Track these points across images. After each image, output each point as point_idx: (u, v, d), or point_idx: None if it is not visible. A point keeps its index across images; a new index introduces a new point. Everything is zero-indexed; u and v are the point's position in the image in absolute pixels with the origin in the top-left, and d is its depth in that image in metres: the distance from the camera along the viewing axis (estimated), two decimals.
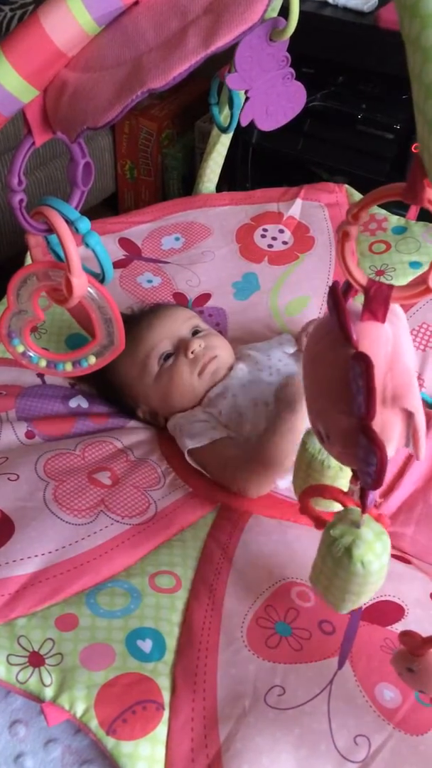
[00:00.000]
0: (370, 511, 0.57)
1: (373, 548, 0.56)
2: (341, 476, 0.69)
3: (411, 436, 0.53)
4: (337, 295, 0.49)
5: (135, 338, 1.07)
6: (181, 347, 1.06)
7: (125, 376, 1.07)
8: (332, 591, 0.60)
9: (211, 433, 0.99)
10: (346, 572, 0.57)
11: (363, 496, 0.55)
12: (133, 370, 1.07)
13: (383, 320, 0.49)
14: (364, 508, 0.56)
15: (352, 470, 0.58)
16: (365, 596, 0.60)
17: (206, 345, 1.06)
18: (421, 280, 0.49)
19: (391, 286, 0.48)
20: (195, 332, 1.09)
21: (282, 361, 1.08)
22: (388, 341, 0.49)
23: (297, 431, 0.92)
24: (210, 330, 1.12)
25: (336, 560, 0.57)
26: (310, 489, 0.64)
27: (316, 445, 0.69)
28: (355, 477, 0.58)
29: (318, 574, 0.62)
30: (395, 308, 0.51)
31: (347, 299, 0.51)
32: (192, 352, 1.05)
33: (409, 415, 0.51)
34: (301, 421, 0.93)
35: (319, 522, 0.64)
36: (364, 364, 0.46)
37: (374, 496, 0.56)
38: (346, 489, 0.67)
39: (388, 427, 0.50)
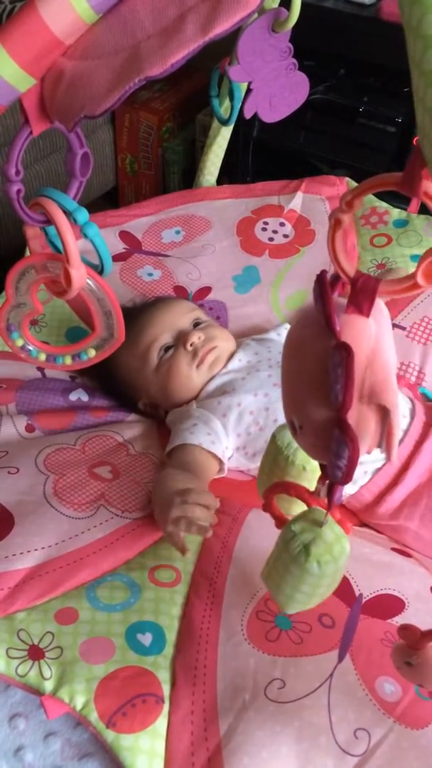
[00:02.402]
0: (334, 514, 0.57)
1: (332, 550, 0.56)
2: (304, 476, 0.68)
3: (385, 435, 0.52)
4: (324, 284, 0.48)
5: (136, 330, 1.07)
6: (180, 339, 1.06)
7: (127, 368, 1.07)
8: (282, 588, 0.60)
9: (187, 436, 0.98)
10: (300, 570, 0.57)
11: (330, 493, 0.55)
12: (134, 361, 1.07)
13: (368, 314, 0.48)
14: (330, 505, 0.56)
15: (321, 467, 0.57)
16: (315, 599, 0.60)
17: (206, 337, 1.07)
18: (410, 276, 0.49)
19: (378, 280, 0.48)
20: (196, 324, 1.10)
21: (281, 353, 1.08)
22: (372, 336, 0.49)
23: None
24: (211, 322, 1.13)
25: (292, 557, 0.57)
26: (276, 486, 0.64)
27: (285, 439, 0.68)
28: (323, 477, 0.57)
29: (270, 570, 0.61)
30: (379, 304, 0.50)
31: (334, 290, 0.50)
32: (191, 344, 1.05)
33: (385, 413, 0.50)
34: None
35: (280, 521, 0.64)
36: (345, 353, 0.45)
37: (341, 495, 0.55)
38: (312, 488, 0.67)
39: (363, 422, 0.50)
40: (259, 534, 0.89)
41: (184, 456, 0.96)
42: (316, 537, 0.56)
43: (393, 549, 0.93)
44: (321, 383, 0.48)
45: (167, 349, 1.07)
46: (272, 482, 0.67)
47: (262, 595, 0.79)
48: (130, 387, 1.09)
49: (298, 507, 0.63)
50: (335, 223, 0.48)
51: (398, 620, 0.78)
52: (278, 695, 0.70)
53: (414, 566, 0.89)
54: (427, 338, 1.17)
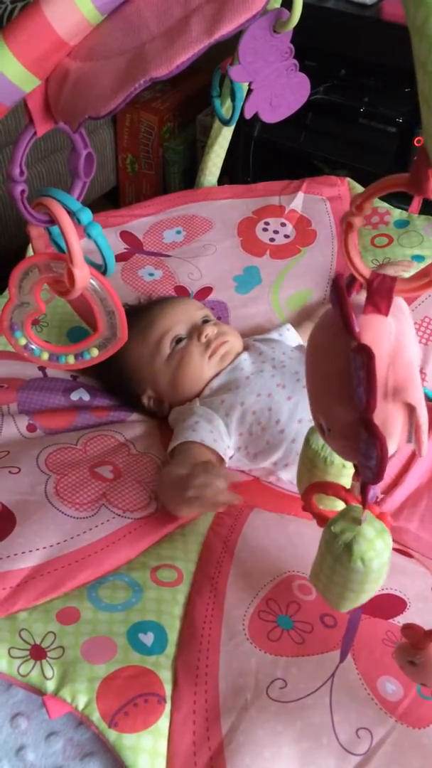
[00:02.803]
0: (372, 508, 0.57)
1: (374, 546, 0.56)
2: (345, 473, 0.68)
3: (413, 431, 0.52)
4: (340, 287, 0.48)
5: (148, 322, 1.09)
6: (194, 331, 1.08)
7: (135, 359, 1.08)
8: (331, 589, 0.59)
9: (189, 434, 0.98)
10: (345, 569, 0.56)
11: (364, 492, 0.55)
12: (145, 352, 1.08)
13: (386, 313, 0.49)
14: (364, 503, 0.56)
15: (354, 466, 0.57)
16: (365, 595, 0.59)
17: (218, 331, 1.09)
18: (425, 273, 0.49)
19: (394, 279, 0.48)
20: (205, 321, 1.11)
21: (286, 354, 1.08)
22: (391, 334, 0.49)
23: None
24: (218, 321, 1.14)
25: (336, 557, 0.56)
26: (313, 486, 0.64)
27: (319, 441, 0.68)
28: (356, 473, 0.57)
29: (318, 572, 0.61)
30: (399, 302, 0.50)
31: (351, 292, 0.51)
32: (205, 336, 1.07)
33: (410, 410, 0.51)
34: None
35: (321, 519, 0.63)
36: (365, 355, 0.45)
37: (376, 491, 0.56)
38: (349, 486, 0.67)
39: (390, 420, 0.50)
40: (261, 534, 0.89)
41: (186, 453, 0.96)
42: (356, 535, 0.56)
43: (394, 549, 0.93)
44: (344, 385, 0.48)
45: (179, 341, 1.08)
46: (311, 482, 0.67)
47: (264, 595, 0.79)
48: (136, 380, 1.09)
49: (339, 504, 0.63)
50: (347, 227, 0.48)
51: (400, 620, 0.78)
52: (280, 695, 0.70)
53: (415, 566, 0.90)
54: (428, 339, 1.18)
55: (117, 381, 1.11)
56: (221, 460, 0.98)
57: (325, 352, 0.52)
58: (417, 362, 0.51)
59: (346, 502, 0.60)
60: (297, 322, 1.24)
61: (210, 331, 1.08)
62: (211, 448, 0.97)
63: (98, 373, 1.13)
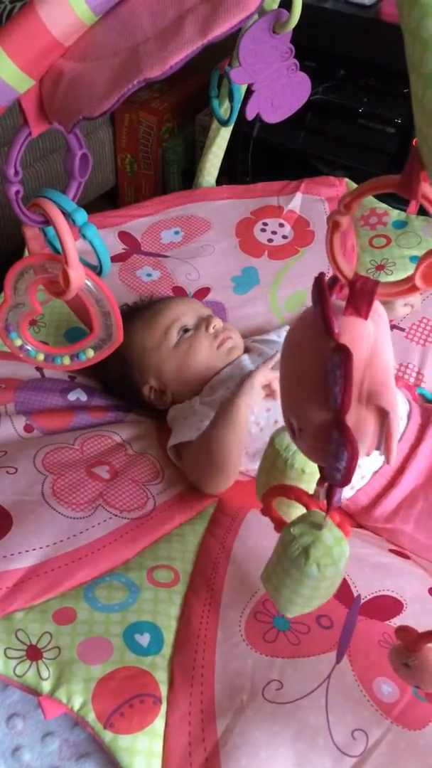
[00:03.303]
0: (333, 516, 0.57)
1: (331, 552, 0.56)
2: (303, 479, 0.68)
3: (383, 438, 0.52)
4: (322, 286, 0.48)
5: (155, 312, 1.10)
6: (202, 323, 1.09)
7: (140, 347, 1.08)
8: (282, 591, 0.59)
9: (194, 432, 0.99)
10: (300, 573, 0.56)
11: (329, 496, 0.54)
12: (151, 340, 1.09)
13: (366, 316, 0.48)
14: (329, 507, 0.55)
15: (320, 470, 0.57)
16: (314, 602, 0.60)
17: (224, 325, 1.11)
18: (408, 278, 0.49)
19: (377, 282, 0.48)
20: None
21: None
22: (370, 338, 0.49)
23: (240, 424, 0.95)
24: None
25: (292, 560, 0.57)
26: (274, 489, 0.64)
27: (284, 442, 0.68)
28: (322, 479, 0.57)
29: (270, 573, 0.61)
30: (378, 307, 0.50)
31: (333, 292, 0.50)
32: (213, 327, 1.08)
33: (383, 415, 0.50)
34: (245, 416, 0.96)
35: (279, 524, 0.64)
36: (344, 355, 0.45)
37: (339, 497, 0.55)
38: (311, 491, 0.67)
39: (362, 424, 0.50)
40: (257, 534, 0.89)
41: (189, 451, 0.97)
42: (315, 540, 0.56)
43: (391, 551, 0.93)
44: (320, 385, 0.48)
45: (186, 330, 1.09)
46: (270, 485, 0.67)
47: (261, 596, 0.79)
48: (139, 369, 1.09)
49: (298, 510, 0.63)
50: (333, 226, 0.48)
51: (396, 621, 0.78)
52: (276, 696, 0.70)
53: (412, 568, 0.90)
54: (426, 339, 1.17)
55: (118, 372, 1.11)
56: None
57: (302, 350, 0.52)
58: (392, 369, 0.51)
59: (307, 507, 0.60)
60: None
61: (218, 322, 1.09)
62: None
63: (98, 365, 1.13)
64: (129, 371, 1.10)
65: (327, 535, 0.56)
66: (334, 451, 0.48)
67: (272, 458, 0.69)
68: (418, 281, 0.46)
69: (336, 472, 0.49)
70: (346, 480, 0.49)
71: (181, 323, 1.09)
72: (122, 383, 1.12)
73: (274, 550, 0.60)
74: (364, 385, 0.48)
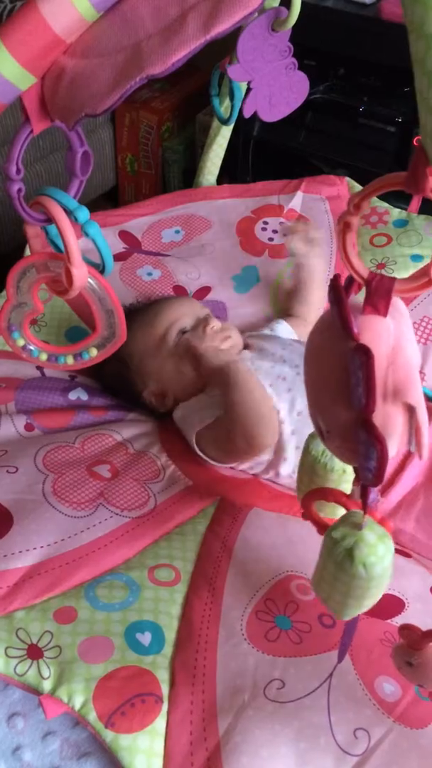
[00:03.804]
0: (373, 513, 0.56)
1: (376, 550, 0.55)
2: (345, 479, 0.68)
3: (413, 433, 0.52)
4: (338, 287, 0.48)
5: (153, 315, 1.10)
6: (200, 324, 1.09)
7: (140, 351, 1.08)
8: (334, 597, 0.58)
9: (215, 411, 1.00)
10: (347, 576, 0.55)
11: (364, 495, 0.54)
12: (150, 343, 1.09)
13: (385, 314, 0.48)
14: (365, 507, 0.55)
15: (354, 470, 0.57)
16: (368, 601, 0.58)
17: (223, 326, 1.11)
18: (423, 272, 0.49)
19: (392, 279, 0.48)
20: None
21: (286, 348, 1.08)
22: (390, 335, 0.49)
23: (249, 381, 0.98)
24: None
25: (337, 564, 0.55)
26: (312, 493, 0.63)
27: (319, 447, 0.68)
28: (356, 478, 0.57)
29: (319, 580, 0.60)
30: (397, 303, 0.50)
31: (350, 292, 0.50)
32: (211, 328, 1.08)
33: (410, 411, 0.50)
34: (244, 371, 0.99)
35: (321, 527, 0.63)
36: (364, 355, 0.45)
37: (376, 495, 0.55)
38: (349, 492, 0.67)
39: (389, 421, 0.50)
40: (259, 533, 0.89)
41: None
42: (358, 540, 0.55)
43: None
44: (343, 386, 0.48)
45: (185, 332, 1.09)
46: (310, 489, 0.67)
47: (262, 595, 0.79)
48: (139, 373, 1.09)
49: (340, 511, 0.62)
50: (344, 227, 0.48)
51: (398, 620, 0.78)
52: (277, 695, 0.70)
53: (414, 566, 0.89)
54: (427, 338, 1.17)
55: (118, 376, 1.10)
56: None
57: (323, 352, 0.52)
58: (417, 363, 0.51)
59: (346, 507, 0.59)
60: (289, 313, 1.24)
61: (216, 323, 1.09)
62: None
63: (98, 370, 1.13)
64: (128, 375, 1.10)
65: (369, 534, 0.55)
66: (363, 451, 0.48)
67: (311, 465, 0.69)
68: None
69: (367, 471, 0.49)
70: (378, 479, 0.48)
71: (179, 325, 1.09)
72: (122, 385, 1.11)
73: (319, 555, 0.59)
74: (388, 382, 0.48)
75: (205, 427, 0.99)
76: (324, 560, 0.58)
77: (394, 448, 0.51)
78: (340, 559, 0.55)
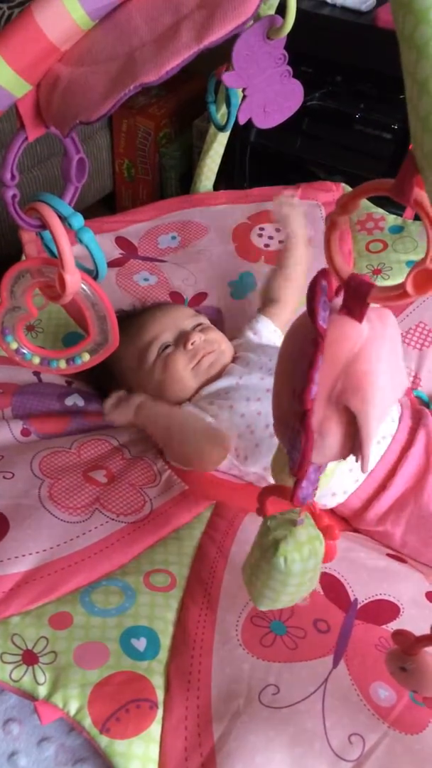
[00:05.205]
0: (321, 518, 0.57)
1: (301, 549, 0.56)
2: None
3: (357, 444, 0.51)
4: (316, 281, 0.48)
5: (138, 328, 1.09)
6: (181, 339, 1.07)
7: (125, 364, 1.08)
8: (254, 582, 0.61)
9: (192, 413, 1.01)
10: (268, 565, 0.57)
11: (294, 488, 0.54)
12: (133, 358, 1.08)
13: (359, 318, 0.48)
14: (293, 499, 0.54)
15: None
16: (285, 597, 0.60)
17: (206, 339, 1.08)
18: (401, 284, 0.48)
19: (371, 285, 0.47)
20: (196, 327, 1.10)
21: (272, 360, 1.08)
22: (358, 340, 0.48)
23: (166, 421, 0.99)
24: (213, 327, 1.13)
25: (263, 550, 0.58)
26: (267, 489, 0.64)
27: None
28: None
29: (246, 563, 0.62)
30: (387, 314, 0.50)
31: (339, 292, 0.50)
32: (192, 344, 1.06)
33: (352, 419, 0.50)
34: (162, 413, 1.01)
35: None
36: (313, 345, 0.45)
37: (308, 491, 0.54)
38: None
39: (326, 422, 0.49)
40: (255, 538, 0.89)
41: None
42: (288, 534, 0.57)
43: (388, 554, 0.94)
44: (294, 373, 0.48)
45: (167, 347, 1.07)
46: (281, 473, 0.67)
47: None
48: (125, 385, 1.09)
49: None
50: (330, 225, 0.49)
51: (393, 626, 0.78)
52: (272, 701, 0.70)
53: (409, 571, 0.90)
54: (422, 344, 1.18)
55: (107, 386, 1.11)
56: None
57: (289, 339, 0.53)
58: (389, 380, 0.50)
59: (292, 503, 0.60)
60: (265, 304, 1.22)
61: (197, 338, 1.06)
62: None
63: (91, 378, 1.13)
64: (118, 385, 1.10)
65: (301, 532, 0.57)
66: (292, 438, 0.49)
67: (278, 453, 0.69)
68: (408, 288, 0.46)
69: (292, 461, 0.49)
70: (300, 471, 0.49)
71: (160, 341, 1.07)
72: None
73: (254, 541, 0.62)
74: (338, 384, 0.48)
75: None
76: (254, 545, 0.60)
77: (331, 451, 0.51)
78: (266, 546, 0.58)
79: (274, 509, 0.64)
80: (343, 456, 0.52)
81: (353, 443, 0.50)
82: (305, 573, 0.57)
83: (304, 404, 0.47)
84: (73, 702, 0.68)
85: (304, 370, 0.46)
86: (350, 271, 0.48)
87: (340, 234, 0.50)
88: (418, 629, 0.60)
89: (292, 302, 1.19)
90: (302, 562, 0.56)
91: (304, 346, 0.48)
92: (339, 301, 0.49)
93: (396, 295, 0.46)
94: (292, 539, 0.56)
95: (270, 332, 1.17)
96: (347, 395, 0.48)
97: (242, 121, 0.92)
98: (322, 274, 0.48)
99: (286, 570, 0.56)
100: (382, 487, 0.96)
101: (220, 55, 0.80)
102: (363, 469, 0.52)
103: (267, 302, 1.20)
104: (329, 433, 0.49)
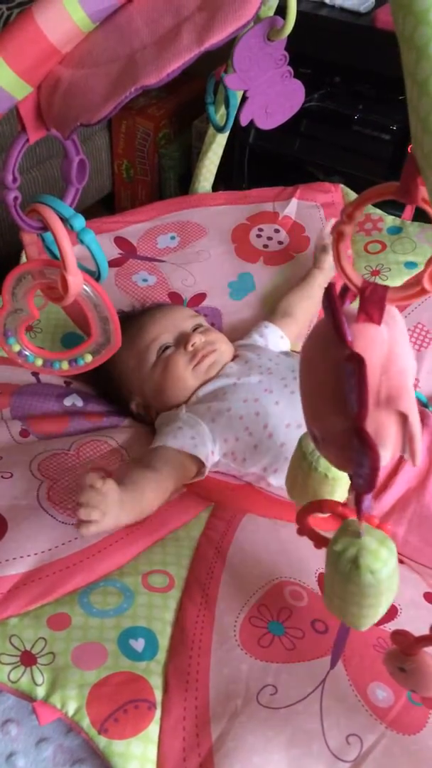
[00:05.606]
0: (369, 519, 0.56)
1: (379, 555, 0.54)
2: (326, 483, 0.67)
3: (407, 441, 0.52)
4: (332, 295, 0.49)
5: (138, 329, 1.09)
6: (181, 340, 1.07)
7: (124, 365, 1.08)
8: (349, 609, 0.57)
9: (168, 439, 0.98)
10: (357, 586, 0.54)
11: (358, 503, 0.54)
12: (132, 359, 1.08)
13: (379, 322, 0.49)
14: (359, 515, 0.54)
15: (350, 477, 0.56)
16: (382, 607, 0.57)
17: (206, 340, 1.08)
18: (416, 280, 0.49)
19: (386, 287, 0.48)
20: (196, 329, 1.10)
21: (272, 360, 1.08)
22: (384, 343, 0.49)
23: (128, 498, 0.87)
24: (211, 328, 1.14)
25: (345, 575, 0.55)
26: (309, 506, 0.62)
27: (309, 445, 0.68)
28: (351, 485, 0.57)
29: (331, 596, 0.59)
30: (392, 311, 0.50)
31: (344, 301, 0.51)
32: (192, 345, 1.06)
33: (403, 418, 0.51)
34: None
35: (319, 541, 0.63)
36: (356, 363, 0.45)
37: (369, 502, 0.55)
38: (336, 497, 0.67)
39: (382, 429, 0.50)
40: (252, 539, 0.89)
41: (160, 456, 0.96)
42: (360, 549, 0.54)
43: None
44: (337, 394, 0.48)
45: (166, 348, 1.07)
46: (296, 486, 0.67)
47: (255, 601, 0.79)
48: (124, 386, 1.09)
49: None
50: (338, 236, 0.49)
51: (391, 626, 0.78)
52: (270, 701, 0.70)
53: (408, 572, 0.90)
54: (420, 345, 1.18)
55: (107, 387, 1.11)
56: (202, 465, 0.98)
57: (317, 360, 0.52)
58: (412, 371, 0.51)
59: (343, 516, 0.59)
60: (276, 316, 1.24)
61: (197, 339, 1.07)
62: (189, 453, 0.96)
63: (91, 378, 1.13)
64: (116, 388, 1.10)
65: (369, 540, 0.54)
66: (356, 458, 0.48)
67: (298, 460, 0.69)
68: (426, 284, 0.46)
69: (360, 478, 0.48)
70: (371, 487, 0.48)
71: (160, 342, 1.07)
72: (112, 395, 1.12)
73: (325, 572, 0.58)
74: (382, 390, 0.48)
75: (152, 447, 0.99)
76: (331, 576, 0.57)
77: (388, 456, 0.51)
78: (346, 570, 0.54)
79: (316, 525, 0.63)
80: (395, 456, 0.52)
81: (403, 441, 0.51)
82: (392, 574, 0.55)
83: (361, 424, 0.46)
84: (72, 703, 0.68)
85: (353, 393, 0.46)
86: (362, 278, 0.48)
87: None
88: (416, 630, 0.60)
89: (304, 320, 1.23)
90: (386, 566, 0.54)
91: (333, 367, 0.48)
92: (348, 308, 0.50)
93: (412, 294, 0.47)
94: (367, 552, 0.54)
95: (277, 338, 1.17)
96: (394, 399, 0.48)
97: (244, 123, 0.92)
98: (335, 291, 0.48)
99: (377, 581, 0.54)
100: (384, 487, 0.96)
101: (219, 56, 0.80)
102: (415, 463, 0.52)
103: (281, 314, 1.22)
104: (387, 439, 0.49)
